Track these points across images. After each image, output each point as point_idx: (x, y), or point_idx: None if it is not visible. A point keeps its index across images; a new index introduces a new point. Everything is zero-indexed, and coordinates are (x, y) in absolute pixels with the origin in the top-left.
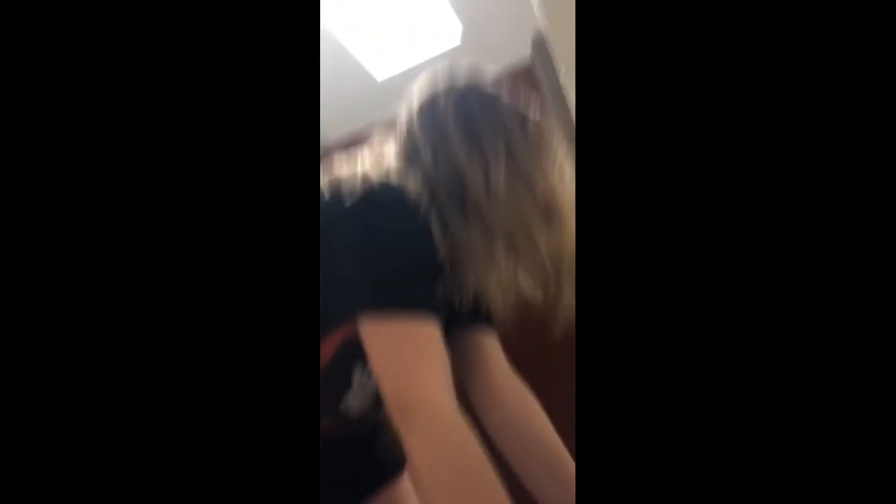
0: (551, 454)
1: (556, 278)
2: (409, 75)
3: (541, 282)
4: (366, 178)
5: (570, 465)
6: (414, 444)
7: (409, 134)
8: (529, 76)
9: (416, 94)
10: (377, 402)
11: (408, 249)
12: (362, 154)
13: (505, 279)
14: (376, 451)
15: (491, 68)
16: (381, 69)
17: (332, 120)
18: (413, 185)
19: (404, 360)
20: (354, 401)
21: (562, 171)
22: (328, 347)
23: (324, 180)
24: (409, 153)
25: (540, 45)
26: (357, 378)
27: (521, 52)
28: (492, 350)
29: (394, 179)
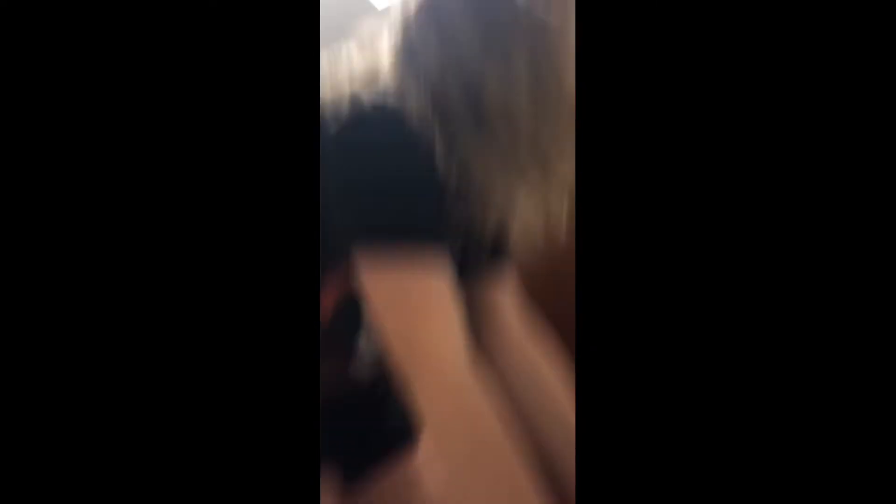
0: (561, 412)
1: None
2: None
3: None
4: (355, 100)
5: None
6: (424, 400)
7: (407, 30)
8: None
9: None
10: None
11: (408, 181)
12: (349, 53)
13: (531, 205)
14: (389, 416)
15: None
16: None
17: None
18: (413, 100)
19: (407, 307)
20: (363, 357)
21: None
22: (326, 301)
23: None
24: (408, 52)
25: None
26: (364, 332)
27: None
28: (510, 296)
29: (390, 101)
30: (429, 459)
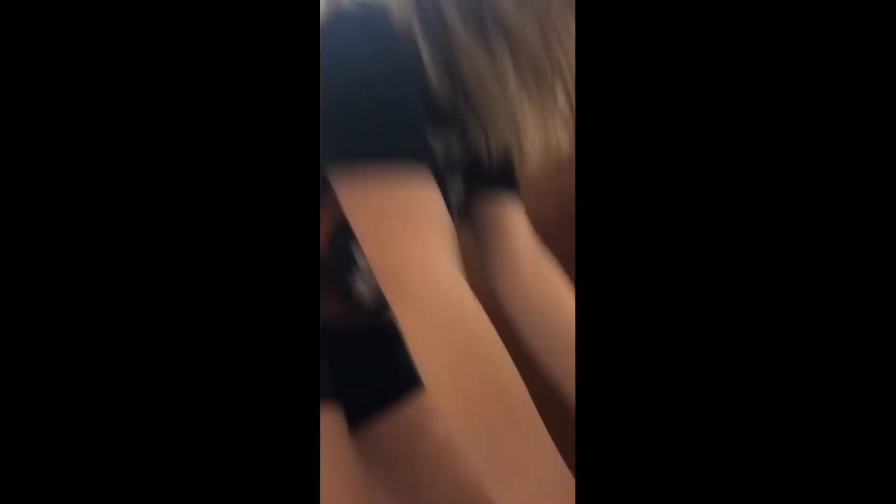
0: (572, 339)
1: None
2: None
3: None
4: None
5: None
6: (412, 327)
7: None
8: None
9: None
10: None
11: (392, 88)
12: None
13: (538, 122)
14: (396, 356)
15: None
16: None
17: None
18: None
19: (391, 226)
20: (363, 286)
21: None
22: (322, 231)
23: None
24: None
25: None
26: (361, 259)
27: None
28: (515, 223)
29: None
30: (436, 398)
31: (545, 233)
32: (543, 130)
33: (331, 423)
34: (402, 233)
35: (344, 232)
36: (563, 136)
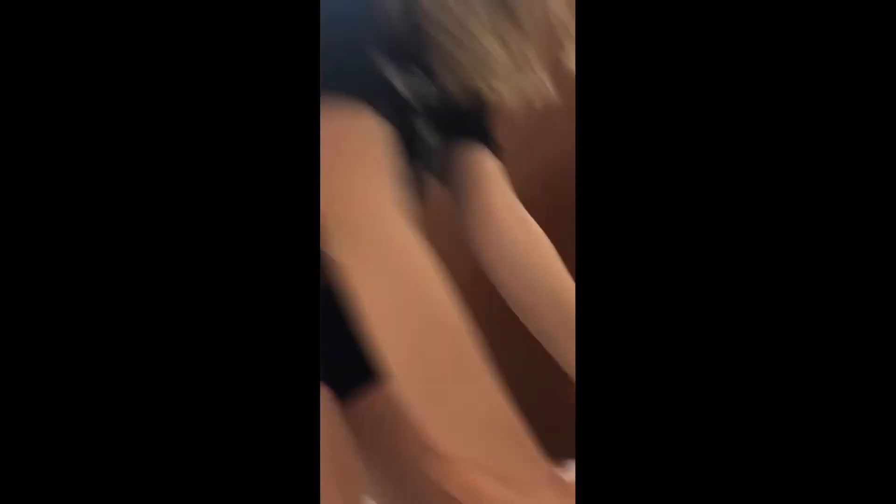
0: (558, 294)
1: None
2: None
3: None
4: None
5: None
6: (353, 274)
7: None
8: None
9: None
10: None
11: (347, 23)
12: None
13: (512, 67)
14: None
15: None
16: None
17: None
18: None
19: (332, 166)
20: None
21: None
22: None
23: None
24: None
25: None
26: None
27: None
28: (490, 175)
29: None
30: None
31: (530, 191)
32: (519, 77)
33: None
34: (340, 172)
35: None
36: (545, 84)
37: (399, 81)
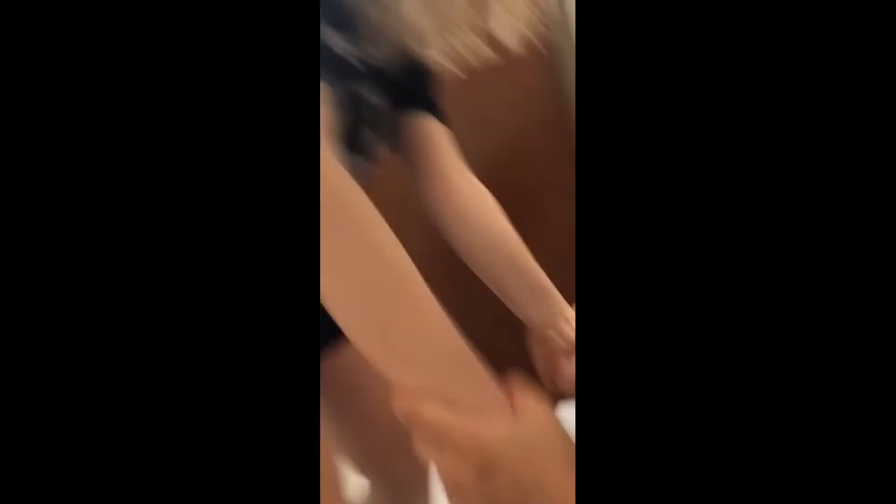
0: (510, 249)
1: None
2: None
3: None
4: None
5: (527, 257)
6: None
7: None
8: None
9: None
10: None
11: None
12: None
13: (465, 26)
14: None
15: None
16: None
17: None
18: None
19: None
20: None
21: None
22: None
23: None
24: None
25: None
26: None
27: None
28: (440, 142)
29: None
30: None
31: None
32: (449, 38)
33: None
34: None
35: None
36: (478, 43)
37: (339, 46)
